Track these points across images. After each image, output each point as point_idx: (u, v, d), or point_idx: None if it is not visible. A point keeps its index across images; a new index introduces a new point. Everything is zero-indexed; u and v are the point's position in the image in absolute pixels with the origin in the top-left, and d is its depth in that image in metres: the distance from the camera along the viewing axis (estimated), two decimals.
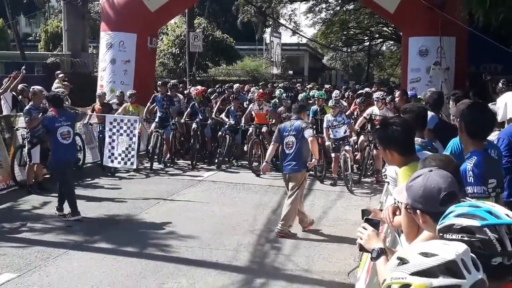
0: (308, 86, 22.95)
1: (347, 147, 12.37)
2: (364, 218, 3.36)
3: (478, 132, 4.65)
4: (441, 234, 2.26)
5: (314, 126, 12.92)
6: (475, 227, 2.16)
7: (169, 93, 15.12)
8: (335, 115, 12.39)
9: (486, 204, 2.31)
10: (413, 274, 1.88)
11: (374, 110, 12.72)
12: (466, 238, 2.16)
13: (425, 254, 1.92)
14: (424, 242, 2.22)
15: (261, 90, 15.73)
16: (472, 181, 4.20)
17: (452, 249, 1.91)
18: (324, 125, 12.63)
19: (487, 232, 2.14)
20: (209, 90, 18.05)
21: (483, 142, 4.69)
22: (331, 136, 12.38)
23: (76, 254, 7.71)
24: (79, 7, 21.65)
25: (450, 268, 1.85)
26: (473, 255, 1.94)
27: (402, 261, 1.96)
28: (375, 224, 3.29)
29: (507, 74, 13.26)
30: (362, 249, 3.27)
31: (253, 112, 14.20)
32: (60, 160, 9.87)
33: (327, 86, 22.89)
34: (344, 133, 12.47)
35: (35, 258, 7.50)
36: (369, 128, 12.71)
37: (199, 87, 16.69)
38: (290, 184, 8.89)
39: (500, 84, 9.68)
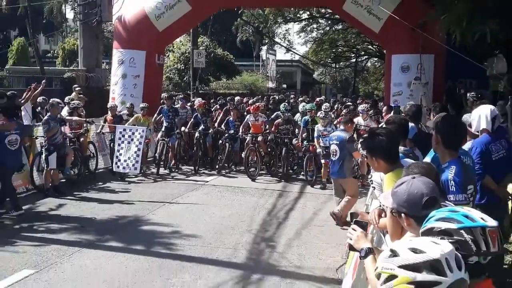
0: (300, 99, 22.96)
1: None
2: (354, 220, 3.34)
3: (452, 143, 4.65)
4: (423, 236, 2.27)
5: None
6: (452, 229, 2.21)
7: (175, 105, 15.21)
8: (325, 125, 12.42)
9: (464, 209, 2.33)
10: (400, 267, 1.92)
11: (359, 120, 12.77)
12: (445, 240, 2.16)
13: (414, 250, 1.95)
14: (415, 238, 2.21)
15: (257, 103, 15.76)
16: (454, 190, 4.19)
17: (438, 249, 1.93)
18: (315, 134, 12.61)
19: (463, 234, 2.19)
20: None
21: (458, 151, 4.68)
22: (321, 144, 12.34)
23: (89, 252, 7.67)
24: (93, 27, 21.62)
25: (434, 266, 1.88)
26: (458, 254, 1.94)
27: (394, 253, 1.99)
28: (363, 226, 3.28)
29: (481, 88, 13.34)
30: (352, 248, 3.26)
31: (249, 123, 14.19)
32: (4, 164, 9.80)
33: (318, 99, 22.89)
34: None
35: (52, 255, 7.46)
36: (355, 137, 12.72)
37: (200, 99, 16.76)
38: (344, 186, 9.38)
39: (470, 98, 9.72)
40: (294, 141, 13.73)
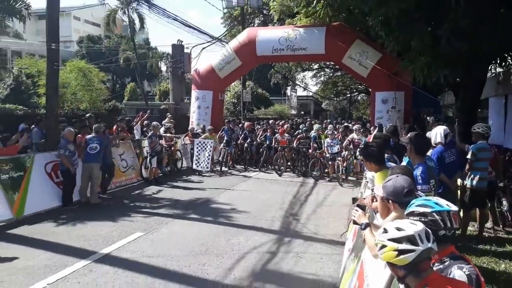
0: (313, 122, 22.72)
1: (339, 158, 12.24)
2: (356, 204, 3.33)
3: (421, 151, 4.58)
4: (407, 217, 2.25)
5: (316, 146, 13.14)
6: (427, 212, 2.19)
7: (231, 126, 15.31)
8: (331, 139, 12.35)
9: (434, 198, 2.30)
10: (389, 239, 1.95)
11: (354, 136, 12.60)
12: (422, 219, 2.15)
13: (398, 229, 1.97)
14: (398, 220, 2.19)
15: (284, 127, 15.76)
16: (421, 182, 4.17)
17: (413, 227, 1.95)
18: (325, 145, 12.54)
19: (435, 215, 2.17)
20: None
21: (424, 157, 4.61)
22: (329, 151, 12.25)
23: (177, 221, 7.79)
24: (179, 75, 22.06)
25: (410, 239, 1.91)
26: (429, 230, 1.93)
27: (385, 230, 2.01)
28: (362, 207, 3.26)
29: (436, 113, 13.04)
30: (355, 223, 3.24)
31: (278, 139, 14.14)
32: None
33: (325, 121, 22.67)
34: (337, 150, 12.32)
35: (154, 223, 7.60)
36: (351, 146, 12.55)
37: (248, 122, 16.86)
38: None
39: (430, 121, 9.51)
40: (310, 150, 13.64)
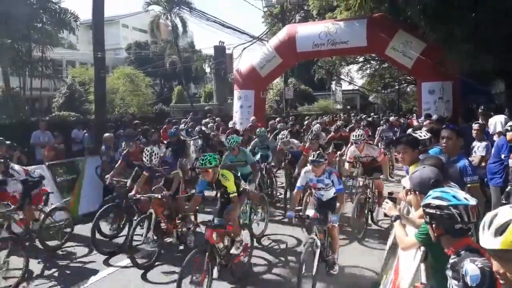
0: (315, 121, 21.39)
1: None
2: (387, 196, 3.34)
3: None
4: (423, 208, 2.25)
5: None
6: (443, 205, 2.15)
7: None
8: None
9: (453, 190, 2.26)
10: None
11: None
12: (438, 212, 2.15)
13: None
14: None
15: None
16: (471, 173, 4.15)
17: None
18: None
19: (451, 209, 2.12)
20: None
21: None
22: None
23: None
24: (222, 76, 22.54)
25: None
26: None
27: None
28: (394, 199, 3.27)
29: (488, 102, 12.39)
30: (385, 215, 3.26)
31: None
32: None
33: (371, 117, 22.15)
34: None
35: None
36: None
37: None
38: None
39: (480, 110, 9.15)
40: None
